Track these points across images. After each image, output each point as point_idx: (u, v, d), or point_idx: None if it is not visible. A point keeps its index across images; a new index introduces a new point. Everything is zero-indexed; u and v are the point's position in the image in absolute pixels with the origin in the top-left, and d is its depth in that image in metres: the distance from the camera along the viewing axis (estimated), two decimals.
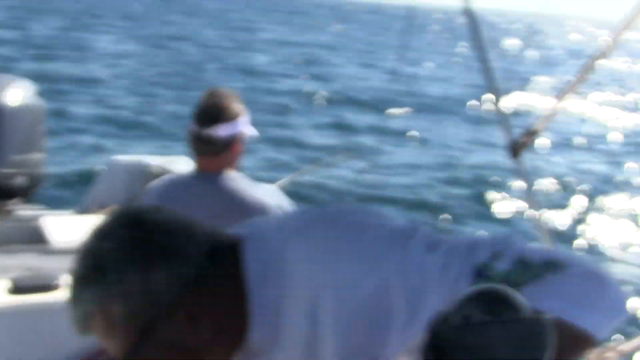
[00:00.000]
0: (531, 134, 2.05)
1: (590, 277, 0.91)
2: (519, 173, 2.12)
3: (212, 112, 2.49)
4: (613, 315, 0.91)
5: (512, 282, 0.97)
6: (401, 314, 0.95)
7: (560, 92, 2.00)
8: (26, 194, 3.62)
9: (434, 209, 8.05)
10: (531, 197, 2.11)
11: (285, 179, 3.67)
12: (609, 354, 1.94)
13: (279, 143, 10.65)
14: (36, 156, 3.64)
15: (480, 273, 1.00)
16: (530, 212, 2.11)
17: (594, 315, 0.89)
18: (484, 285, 1.06)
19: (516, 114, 12.32)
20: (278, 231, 1.09)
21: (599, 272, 0.92)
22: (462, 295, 1.03)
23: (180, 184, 2.57)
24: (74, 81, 15.16)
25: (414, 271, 0.96)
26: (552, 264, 0.94)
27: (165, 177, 2.63)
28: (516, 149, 2.07)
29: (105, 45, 22.66)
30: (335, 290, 0.96)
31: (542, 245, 2.11)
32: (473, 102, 15.78)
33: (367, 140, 11.16)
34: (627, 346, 1.95)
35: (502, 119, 2.10)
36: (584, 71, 1.95)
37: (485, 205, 8.50)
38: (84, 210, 3.61)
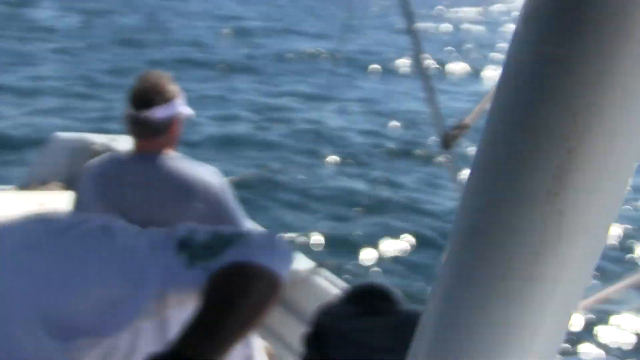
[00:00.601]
0: (462, 127, 2.01)
1: (269, 238, 1.29)
2: (449, 165, 2.09)
3: (148, 94, 2.46)
4: (287, 263, 1.28)
5: (210, 248, 1.24)
6: (129, 291, 1.13)
7: (492, 88, 1.95)
8: None
9: None
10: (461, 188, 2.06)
11: (236, 176, 3.64)
12: None
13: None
14: None
15: (183, 244, 1.26)
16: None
17: (276, 261, 1.23)
18: (365, 282, 1.24)
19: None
20: None
21: (273, 236, 1.30)
22: (346, 290, 1.24)
23: (120, 163, 2.55)
24: None
25: (127, 256, 1.18)
26: (239, 233, 1.28)
27: (105, 155, 2.63)
28: (447, 140, 2.03)
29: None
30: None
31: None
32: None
33: None
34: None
35: (434, 112, 2.06)
36: None
37: None
38: (24, 185, 3.54)
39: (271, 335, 2.86)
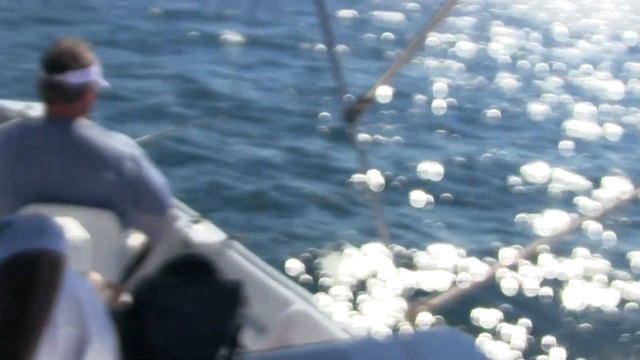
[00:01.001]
0: (365, 101, 2.11)
1: (31, 221, 1.26)
2: (353, 139, 2.17)
3: (63, 59, 2.43)
4: (58, 236, 1.24)
5: None
6: None
7: (394, 60, 2.06)
8: None
9: None
10: (364, 163, 2.17)
11: (145, 137, 3.63)
12: (421, 307, 2.06)
13: None
14: None
15: None
16: (361, 178, 2.18)
17: (47, 238, 1.21)
18: (184, 253, 1.25)
19: None
20: None
21: (35, 217, 1.29)
22: (165, 261, 1.21)
23: (31, 129, 2.51)
24: None
25: None
26: (7, 223, 1.24)
27: (15, 121, 2.57)
28: (351, 115, 2.12)
29: None
30: None
31: None
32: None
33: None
34: (437, 300, 2.08)
35: (339, 85, 2.14)
36: (416, 39, 2.02)
37: None
38: None
39: None
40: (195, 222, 2.96)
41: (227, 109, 9.34)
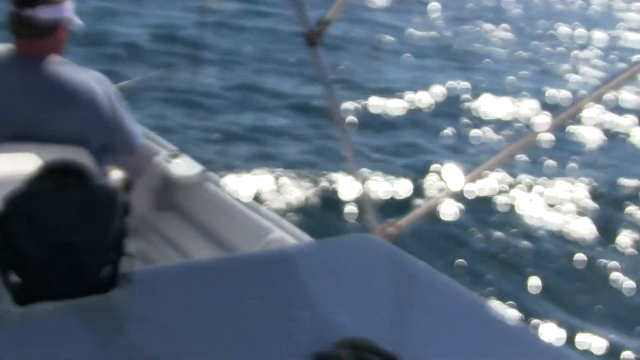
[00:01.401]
0: (324, 23, 2.09)
1: None
2: (315, 64, 2.16)
3: None
4: None
5: None
6: None
7: None
8: None
9: None
10: (330, 91, 2.16)
11: (125, 82, 3.60)
12: (390, 229, 2.10)
13: None
14: None
15: None
16: (328, 102, 2.17)
17: None
18: (59, 159, 1.16)
19: None
20: None
21: None
22: (36, 168, 1.14)
23: (1, 68, 2.45)
24: None
25: None
26: None
27: None
28: (312, 38, 2.10)
29: None
30: None
31: None
32: None
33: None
34: (405, 220, 2.11)
35: (297, 7, 2.11)
36: None
37: None
38: None
39: (160, 238, 2.94)
40: (174, 156, 2.97)
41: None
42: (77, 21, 2.56)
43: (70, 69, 2.48)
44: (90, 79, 2.51)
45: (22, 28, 2.39)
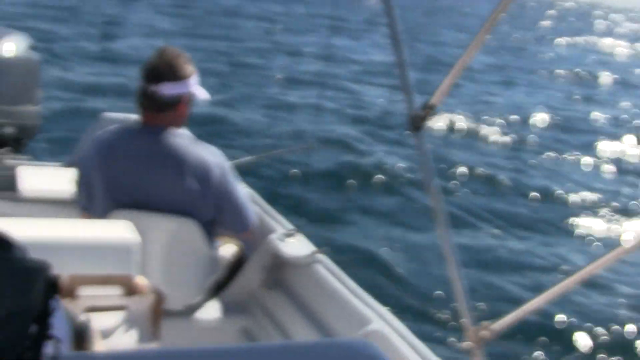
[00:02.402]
0: (429, 107, 2.03)
1: None
2: (419, 148, 2.10)
3: (159, 70, 2.56)
4: None
5: None
6: None
7: (454, 66, 1.97)
8: (17, 144, 3.78)
9: None
10: (429, 173, 2.08)
11: (242, 160, 3.71)
12: (483, 332, 1.92)
13: None
14: (29, 108, 3.80)
15: None
16: (428, 189, 2.08)
17: None
18: None
19: None
20: None
21: None
22: None
23: (124, 134, 2.63)
24: None
25: None
26: None
27: (111, 127, 2.69)
28: (416, 122, 2.05)
29: None
30: None
31: None
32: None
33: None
34: (500, 324, 1.93)
35: (405, 91, 2.08)
36: (472, 42, 1.91)
37: None
38: (69, 164, 3.74)
39: (266, 316, 2.92)
40: (289, 235, 2.98)
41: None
42: (203, 94, 2.68)
43: (187, 141, 2.60)
44: (205, 153, 2.61)
45: (146, 102, 2.57)
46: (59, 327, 1.07)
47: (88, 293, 1.87)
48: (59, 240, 1.93)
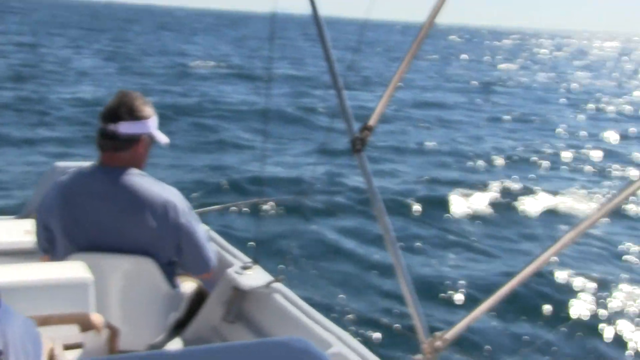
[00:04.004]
0: (367, 129, 2.12)
1: None
2: (361, 168, 2.17)
3: (117, 109, 2.58)
4: None
5: None
6: None
7: (387, 86, 2.07)
8: None
9: None
10: (373, 194, 2.15)
11: (206, 209, 3.78)
12: (438, 343, 1.98)
13: None
14: None
15: None
16: (374, 209, 2.16)
17: None
18: None
19: None
20: None
21: None
22: None
23: (82, 176, 2.63)
24: None
25: None
26: None
27: (70, 171, 2.69)
28: (355, 144, 2.13)
29: None
30: None
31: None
32: None
33: None
34: (452, 333, 1.99)
35: (344, 115, 2.17)
36: (404, 61, 2.02)
37: None
38: (24, 215, 3.73)
39: None
40: (246, 267, 3.03)
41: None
42: (162, 137, 2.70)
43: (145, 180, 2.60)
44: (164, 192, 2.61)
45: (104, 141, 2.58)
46: None
47: (46, 334, 1.89)
48: (15, 284, 1.95)
